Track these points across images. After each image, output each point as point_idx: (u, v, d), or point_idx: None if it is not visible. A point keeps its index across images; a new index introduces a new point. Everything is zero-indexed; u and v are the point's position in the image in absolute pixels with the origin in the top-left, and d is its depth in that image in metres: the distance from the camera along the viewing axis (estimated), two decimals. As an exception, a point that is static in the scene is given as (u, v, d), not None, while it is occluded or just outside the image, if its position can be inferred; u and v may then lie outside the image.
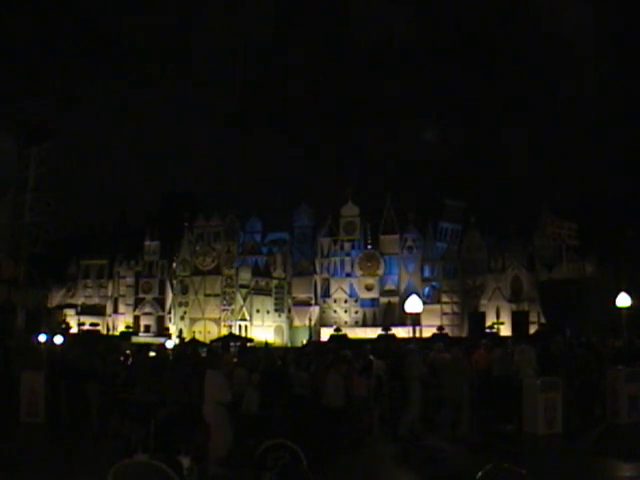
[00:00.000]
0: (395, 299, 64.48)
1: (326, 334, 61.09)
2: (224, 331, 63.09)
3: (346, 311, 67.15)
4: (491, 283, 62.15)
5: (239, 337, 58.69)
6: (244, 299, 65.10)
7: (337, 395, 12.64)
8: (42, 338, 35.60)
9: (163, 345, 37.51)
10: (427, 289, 64.79)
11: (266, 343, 50.54)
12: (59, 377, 15.98)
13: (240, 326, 64.10)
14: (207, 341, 55.81)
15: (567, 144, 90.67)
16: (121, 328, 68.43)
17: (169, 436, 7.23)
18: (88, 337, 54.36)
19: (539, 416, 13.61)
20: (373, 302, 66.79)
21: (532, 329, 54.60)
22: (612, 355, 17.46)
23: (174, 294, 68.34)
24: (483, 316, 60.96)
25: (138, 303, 69.92)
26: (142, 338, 60.40)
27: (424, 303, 49.35)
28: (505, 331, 56.44)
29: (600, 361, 16.03)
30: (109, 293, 71.56)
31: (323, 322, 66.23)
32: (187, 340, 59.12)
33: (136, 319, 69.52)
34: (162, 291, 69.79)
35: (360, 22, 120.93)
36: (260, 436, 11.10)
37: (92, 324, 67.51)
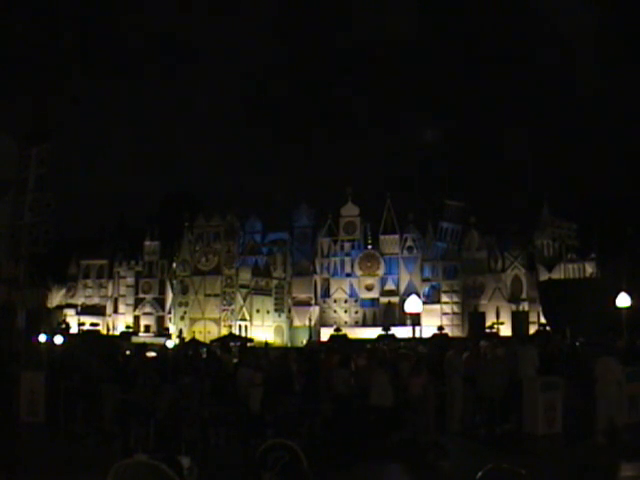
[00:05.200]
0: (395, 299, 64.48)
1: (326, 334, 61.09)
2: (224, 331, 63.04)
3: (346, 311, 67.12)
4: (491, 283, 62.14)
5: (239, 337, 58.66)
6: (244, 299, 65.07)
7: (385, 394, 12.40)
8: (42, 338, 35.53)
9: (163, 345, 37.62)
10: (427, 289, 64.78)
11: (266, 343, 50.50)
12: (67, 378, 15.96)
13: (240, 326, 64.07)
14: (207, 341, 55.78)
15: (567, 144, 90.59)
16: (121, 328, 68.38)
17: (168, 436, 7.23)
18: (92, 338, 54.32)
19: (539, 416, 13.60)
20: (373, 302, 66.75)
21: (532, 329, 54.58)
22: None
23: (174, 294, 68.31)
24: (483, 316, 60.97)
25: (138, 303, 69.89)
26: (142, 338, 60.32)
27: (424, 303, 49.79)
28: (505, 331, 56.47)
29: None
30: (109, 293, 71.52)
31: (323, 322, 66.21)
32: (187, 340, 59.13)
33: (136, 319, 69.50)
34: (162, 291, 69.76)
35: (360, 21, 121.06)
36: (264, 436, 11.12)
37: (92, 324, 67.51)
